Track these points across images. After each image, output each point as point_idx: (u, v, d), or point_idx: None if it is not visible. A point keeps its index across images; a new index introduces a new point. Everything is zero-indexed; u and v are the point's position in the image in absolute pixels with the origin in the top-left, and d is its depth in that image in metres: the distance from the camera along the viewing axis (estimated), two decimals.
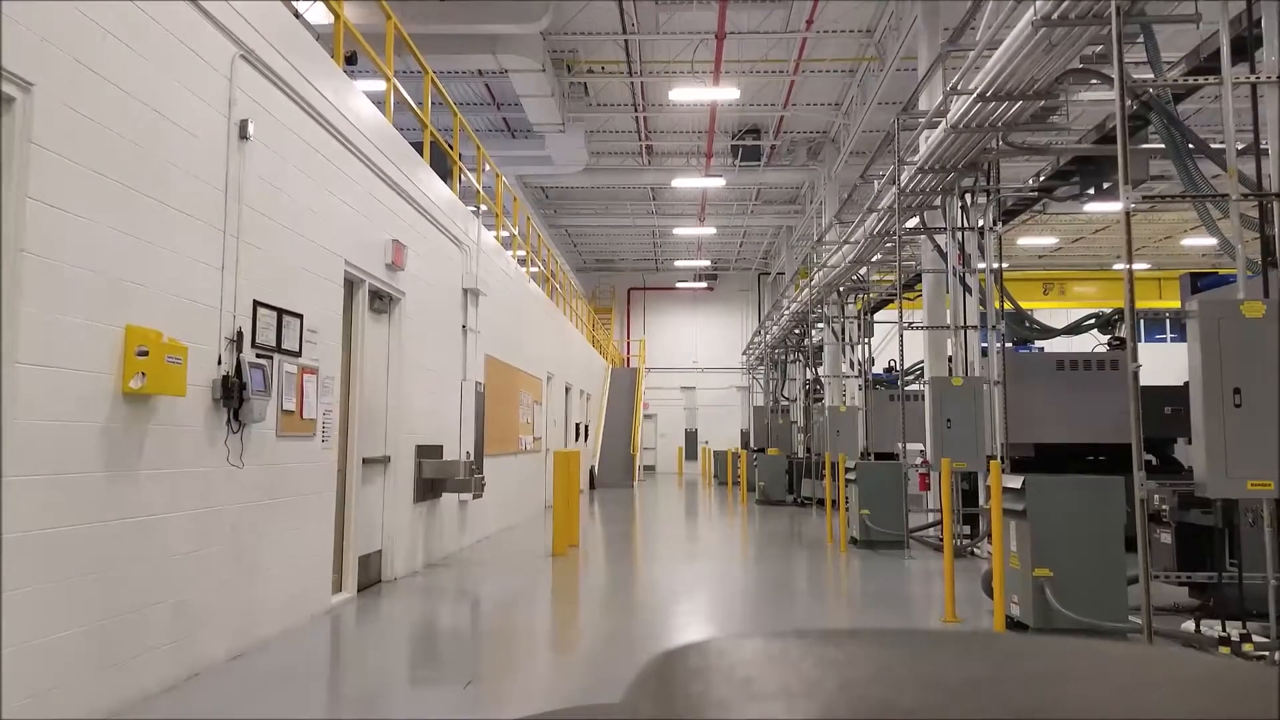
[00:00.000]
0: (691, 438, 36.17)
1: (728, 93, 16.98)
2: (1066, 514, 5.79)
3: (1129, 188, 5.19)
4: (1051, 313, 28.22)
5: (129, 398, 4.25)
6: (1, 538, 3.47)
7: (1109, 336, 12.81)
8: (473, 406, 10.20)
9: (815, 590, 7.74)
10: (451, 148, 10.65)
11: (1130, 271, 5.14)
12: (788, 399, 24.18)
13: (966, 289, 10.09)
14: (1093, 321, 13.19)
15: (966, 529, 10.66)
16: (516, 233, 13.88)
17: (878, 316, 19.33)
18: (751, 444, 25.21)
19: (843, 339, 18.17)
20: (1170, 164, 6.82)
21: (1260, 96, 5.81)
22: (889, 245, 13.36)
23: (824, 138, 21.15)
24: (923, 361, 13.75)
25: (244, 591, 5.36)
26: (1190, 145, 6.60)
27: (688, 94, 17.02)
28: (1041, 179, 10.97)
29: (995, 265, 9.45)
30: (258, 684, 4.70)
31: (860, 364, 15.84)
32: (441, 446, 9.44)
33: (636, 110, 19.60)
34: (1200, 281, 8.29)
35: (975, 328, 10.00)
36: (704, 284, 36.35)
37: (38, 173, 3.66)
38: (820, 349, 20.54)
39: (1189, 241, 28.20)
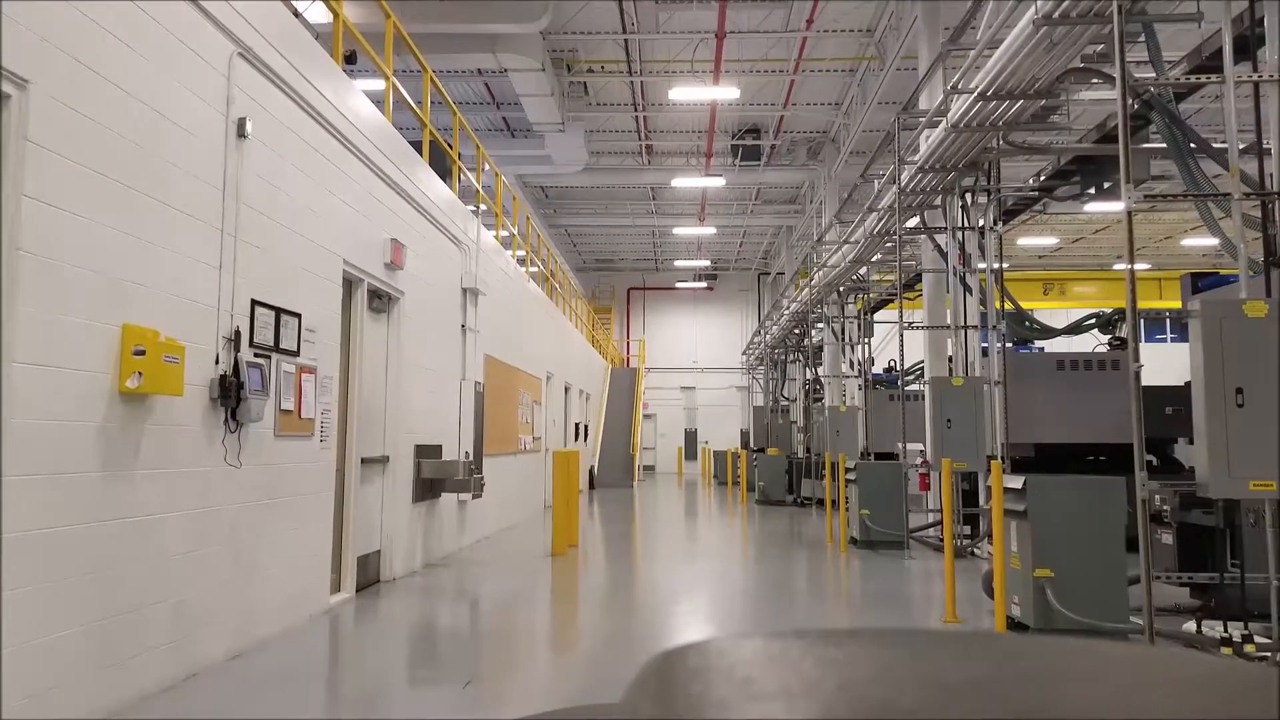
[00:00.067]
0: (691, 438, 36.18)
1: (728, 92, 16.98)
2: (1067, 514, 5.78)
3: (1130, 187, 5.18)
4: (1051, 313, 28.21)
5: (126, 397, 4.24)
6: (1, 537, 3.46)
7: (1109, 336, 12.81)
8: (472, 406, 10.19)
9: (815, 590, 7.73)
10: (451, 147, 10.65)
11: (1132, 271, 5.13)
12: (787, 399, 24.18)
13: (967, 289, 10.08)
14: (1093, 321, 13.20)
15: (967, 529, 10.66)
16: (516, 232, 13.88)
17: (878, 316, 19.33)
18: (751, 444, 25.21)
19: (843, 339, 18.17)
20: (1170, 164, 6.82)
21: (1262, 96, 5.81)
22: (889, 245, 13.36)
23: (824, 137, 21.15)
24: (923, 361, 13.76)
25: (242, 591, 5.35)
26: (1192, 144, 6.59)
27: (687, 93, 17.02)
28: (1042, 178, 10.97)
29: (995, 265, 9.44)
30: (256, 684, 4.69)
31: (860, 364, 15.84)
32: (441, 446, 9.44)
33: (636, 110, 19.61)
34: (1201, 281, 8.29)
35: (975, 328, 10.00)
36: (704, 284, 36.36)
37: (36, 172, 3.66)
38: (820, 349, 20.54)
39: (1189, 242, 28.21)
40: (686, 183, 21.50)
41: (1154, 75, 6.59)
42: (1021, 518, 5.91)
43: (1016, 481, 6.04)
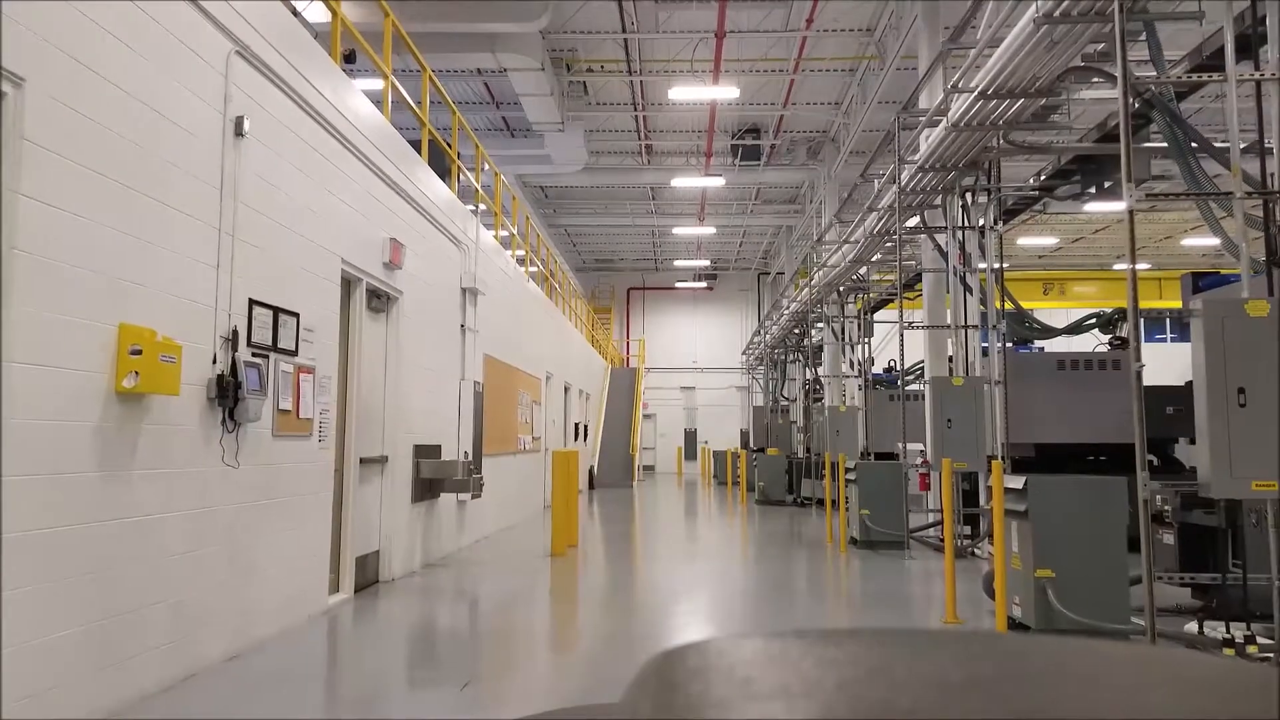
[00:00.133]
0: (691, 438, 36.20)
1: (727, 92, 16.99)
2: (1068, 514, 5.77)
3: (1132, 186, 5.18)
4: (1051, 313, 28.20)
5: (122, 397, 4.23)
6: (1, 537, 3.46)
7: (1110, 336, 12.81)
8: (471, 406, 10.19)
9: (815, 590, 7.73)
10: (450, 146, 10.64)
11: (1134, 271, 5.13)
12: (787, 399, 24.19)
13: (967, 288, 10.08)
14: (1094, 321, 13.19)
15: (967, 529, 10.65)
16: (515, 232, 13.88)
17: (878, 316, 19.32)
18: (751, 444, 25.22)
19: (842, 339, 18.18)
20: (1171, 163, 6.81)
21: (1264, 94, 5.80)
22: (889, 245, 13.36)
23: (824, 137, 21.16)
24: (923, 361, 13.75)
25: (241, 592, 5.34)
26: (1193, 143, 6.59)
27: (687, 93, 17.03)
28: (1042, 178, 10.97)
29: (996, 265, 9.44)
30: (255, 684, 4.69)
31: (860, 364, 15.84)
32: (440, 446, 9.43)
33: (636, 109, 19.61)
34: (1202, 281, 8.29)
35: (976, 327, 10.00)
36: (704, 284, 36.37)
37: (34, 171, 3.65)
38: (820, 349, 20.55)
39: (1189, 241, 28.23)
40: (686, 182, 21.51)
41: (1155, 74, 6.58)
42: (1022, 518, 5.90)
43: (1017, 481, 6.03)
